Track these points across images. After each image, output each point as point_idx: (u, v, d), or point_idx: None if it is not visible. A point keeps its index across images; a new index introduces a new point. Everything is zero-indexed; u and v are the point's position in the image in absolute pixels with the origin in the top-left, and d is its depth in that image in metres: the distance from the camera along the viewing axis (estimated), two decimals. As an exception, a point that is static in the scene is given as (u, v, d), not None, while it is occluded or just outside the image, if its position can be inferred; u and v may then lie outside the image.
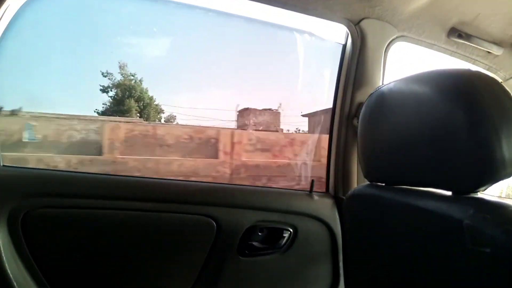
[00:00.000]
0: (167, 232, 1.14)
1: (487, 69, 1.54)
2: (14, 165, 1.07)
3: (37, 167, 1.15)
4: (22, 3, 0.98)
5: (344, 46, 1.36)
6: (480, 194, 0.69)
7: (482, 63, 1.51)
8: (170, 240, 1.14)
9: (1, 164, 1.04)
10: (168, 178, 1.64)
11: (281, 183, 4.83)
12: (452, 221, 0.66)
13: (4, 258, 0.95)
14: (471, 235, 0.62)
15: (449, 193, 0.73)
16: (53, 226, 1.04)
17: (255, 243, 1.22)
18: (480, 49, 1.44)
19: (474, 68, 1.50)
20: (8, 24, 0.98)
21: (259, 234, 1.23)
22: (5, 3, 0.90)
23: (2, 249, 0.95)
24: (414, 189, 0.82)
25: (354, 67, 1.33)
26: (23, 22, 1.02)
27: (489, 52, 1.46)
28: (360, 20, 1.28)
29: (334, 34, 1.36)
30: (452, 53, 1.46)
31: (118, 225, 1.09)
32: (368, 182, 0.97)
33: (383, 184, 0.91)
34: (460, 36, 1.37)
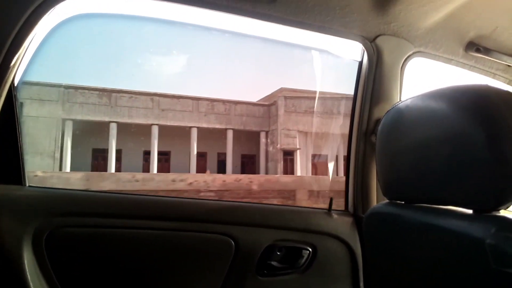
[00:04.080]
0: (186, 251, 1.14)
1: (508, 83, 1.51)
2: (39, 186, 1.10)
3: (62, 187, 1.19)
4: (49, 30, 1.04)
5: (361, 63, 1.36)
6: (502, 212, 0.68)
7: (502, 77, 1.48)
8: (188, 259, 1.13)
9: (27, 185, 1.06)
10: (187, 197, 1.66)
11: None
12: (474, 240, 0.64)
13: (28, 277, 0.96)
14: (494, 254, 0.60)
15: (469, 211, 0.71)
16: (76, 245, 1.05)
17: (273, 263, 1.21)
18: (500, 62, 1.41)
19: (494, 82, 1.48)
20: (35, 50, 1.03)
21: (278, 253, 1.22)
22: (33, 31, 0.94)
23: (27, 267, 0.97)
24: (434, 207, 0.80)
25: (371, 84, 1.32)
26: (50, 48, 1.07)
27: (509, 65, 1.43)
28: (376, 37, 1.28)
29: (350, 52, 1.37)
30: (471, 68, 1.44)
31: (138, 244, 1.10)
32: (388, 200, 0.96)
33: (403, 202, 0.90)
34: (478, 50, 1.34)
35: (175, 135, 12.30)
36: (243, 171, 12.73)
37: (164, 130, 12.11)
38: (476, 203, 0.69)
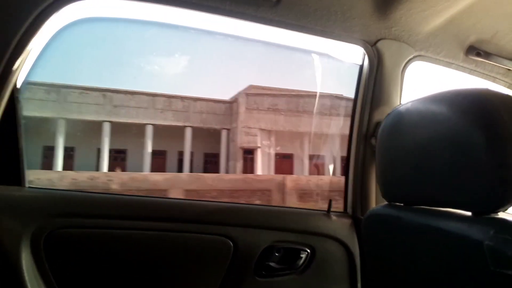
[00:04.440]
0: (184, 252, 1.14)
1: (508, 87, 1.53)
2: (38, 186, 1.10)
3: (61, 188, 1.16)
4: (54, 32, 1.04)
5: (361, 66, 1.37)
6: (501, 215, 0.69)
7: (503, 81, 1.50)
8: (187, 260, 1.14)
9: (27, 186, 1.06)
10: (186, 199, 1.66)
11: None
12: (473, 242, 0.65)
13: (26, 277, 0.97)
14: (492, 256, 0.61)
15: (468, 213, 0.72)
16: (75, 246, 1.06)
17: (272, 264, 1.21)
18: (500, 66, 1.43)
19: (494, 86, 1.50)
20: (39, 54, 1.04)
21: (276, 254, 1.22)
22: (36, 35, 0.96)
23: (24, 269, 0.97)
24: (433, 210, 0.81)
25: (371, 87, 1.33)
26: (55, 49, 1.08)
27: (509, 69, 1.45)
28: (377, 41, 1.29)
29: (351, 55, 1.38)
30: (471, 72, 1.45)
31: (137, 245, 1.11)
32: (387, 202, 0.97)
33: (402, 204, 0.91)
34: (478, 54, 1.36)
35: (131, 133, 11.88)
36: (205, 170, 12.47)
37: (120, 128, 11.66)
38: (475, 205, 0.70)
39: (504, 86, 1.51)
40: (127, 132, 11.85)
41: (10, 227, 0.99)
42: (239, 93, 12.29)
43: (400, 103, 1.25)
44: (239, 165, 12.17)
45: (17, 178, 1.05)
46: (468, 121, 0.68)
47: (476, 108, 0.69)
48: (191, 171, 12.14)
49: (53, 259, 1.02)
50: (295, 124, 12.37)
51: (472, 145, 0.67)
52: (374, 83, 1.33)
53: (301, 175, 12.00)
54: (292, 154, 12.80)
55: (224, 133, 12.64)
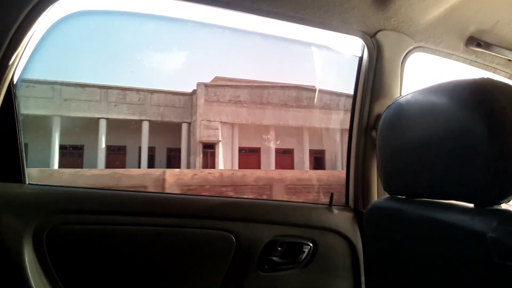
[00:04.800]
0: (187, 247, 1.14)
1: (508, 77, 1.52)
2: (39, 183, 1.10)
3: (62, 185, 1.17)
4: (48, 27, 1.04)
5: (361, 58, 1.36)
6: (503, 206, 0.69)
7: (503, 71, 1.50)
8: (190, 255, 1.14)
9: (27, 182, 1.06)
10: (188, 194, 1.63)
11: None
12: (476, 234, 0.66)
13: (29, 274, 0.97)
14: (495, 248, 0.62)
15: (471, 205, 0.72)
16: (77, 242, 1.05)
17: (274, 258, 1.21)
18: (500, 57, 1.43)
19: (494, 77, 1.49)
20: (35, 47, 1.02)
21: (279, 249, 1.22)
22: (31, 28, 0.94)
23: (27, 265, 0.97)
24: (435, 202, 0.81)
25: (371, 79, 1.32)
26: (49, 45, 1.08)
27: (509, 60, 1.45)
28: (376, 32, 1.28)
29: (350, 47, 1.37)
30: (471, 62, 1.45)
31: (139, 240, 1.10)
32: (388, 195, 0.97)
33: (404, 197, 0.91)
34: (478, 44, 1.36)
35: (87, 127, 11.33)
36: (169, 166, 12.13)
37: (73, 122, 11.09)
38: (477, 197, 0.70)
39: (505, 76, 1.52)
40: (82, 127, 11.31)
41: (11, 224, 0.98)
42: (198, 85, 12.02)
43: (401, 95, 1.24)
44: (199, 159, 11.94)
45: (17, 175, 1.04)
46: (469, 112, 0.68)
47: (477, 99, 0.68)
48: (152, 166, 11.80)
49: (56, 256, 1.02)
50: (258, 117, 12.11)
51: (473, 136, 0.67)
52: (374, 75, 1.32)
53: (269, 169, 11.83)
54: (260, 148, 12.54)
55: (184, 127, 12.27)
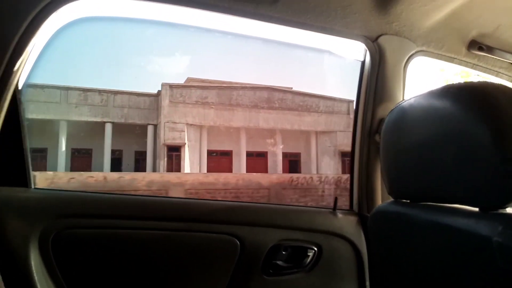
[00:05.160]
0: (192, 252, 1.14)
1: (511, 81, 1.52)
2: (45, 188, 1.11)
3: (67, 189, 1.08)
4: (53, 33, 1.04)
5: (363, 63, 1.36)
6: (509, 210, 0.68)
7: (506, 75, 1.49)
8: (194, 259, 1.14)
9: (33, 187, 1.07)
10: (192, 198, 1.65)
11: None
12: (481, 239, 0.65)
13: (35, 278, 0.97)
14: (501, 253, 0.61)
15: (476, 209, 0.72)
16: (82, 246, 1.06)
17: (279, 262, 1.21)
18: (503, 60, 1.43)
19: (497, 80, 1.50)
20: (39, 54, 1.03)
21: (283, 253, 1.22)
22: (36, 35, 0.95)
23: (33, 269, 0.97)
24: (440, 206, 0.81)
25: (373, 83, 1.33)
26: (54, 50, 1.09)
27: None
28: (378, 37, 1.28)
29: (352, 51, 1.37)
30: (474, 66, 1.45)
31: (144, 244, 1.11)
32: (393, 199, 0.97)
33: (408, 201, 0.91)
34: (480, 48, 1.35)
35: (49, 130, 10.77)
36: (136, 169, 11.72)
37: (34, 125, 10.51)
38: (482, 201, 0.70)
39: (507, 80, 1.51)
40: (43, 130, 10.76)
41: (18, 228, 0.99)
42: (163, 85, 11.69)
43: (403, 99, 1.25)
44: (163, 163, 11.59)
45: (23, 180, 1.05)
46: (473, 116, 0.68)
47: (480, 103, 0.68)
48: (119, 170, 11.36)
49: (61, 259, 1.02)
50: (227, 118, 11.84)
51: (477, 140, 0.67)
52: (376, 79, 1.33)
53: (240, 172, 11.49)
54: (231, 151, 12.32)
55: (150, 129, 11.91)
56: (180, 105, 11.69)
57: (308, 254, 1.24)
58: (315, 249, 1.24)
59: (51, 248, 1.01)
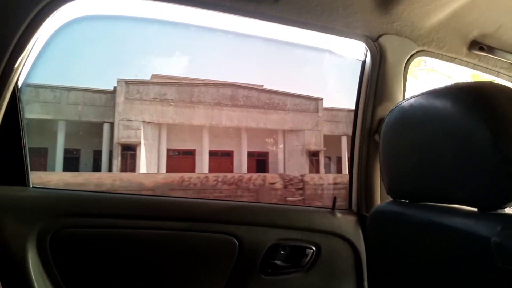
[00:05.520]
0: (190, 251, 1.15)
1: None
2: (43, 187, 1.10)
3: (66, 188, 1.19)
4: (52, 32, 1.04)
5: (364, 62, 1.36)
6: (507, 210, 0.69)
7: (506, 75, 1.50)
8: (193, 258, 1.15)
9: (31, 186, 1.07)
10: (191, 197, 1.63)
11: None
12: (480, 239, 0.65)
13: (33, 277, 0.97)
14: (499, 253, 0.61)
15: (474, 209, 0.72)
16: (80, 245, 1.06)
17: (277, 262, 1.21)
18: (503, 61, 1.43)
19: (498, 80, 1.50)
20: (39, 52, 1.03)
21: (282, 252, 1.22)
22: (36, 33, 0.95)
23: (31, 268, 0.98)
24: (439, 206, 0.81)
25: (374, 83, 1.33)
26: (54, 49, 1.09)
27: None
28: (379, 37, 1.28)
29: (353, 51, 1.37)
30: (474, 66, 1.45)
31: (143, 244, 1.11)
32: (392, 199, 0.97)
33: (407, 201, 0.91)
34: (481, 48, 1.35)
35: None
36: (95, 169, 11.08)
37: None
38: (481, 201, 0.70)
39: (508, 80, 1.51)
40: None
41: (15, 227, 0.99)
42: (118, 81, 11.17)
43: (404, 99, 1.26)
44: (117, 162, 11.06)
45: (21, 178, 1.05)
46: (473, 117, 0.68)
47: (480, 103, 0.69)
48: (77, 170, 10.76)
49: (59, 259, 1.03)
50: (188, 116, 11.34)
51: (477, 141, 0.67)
52: (377, 79, 1.33)
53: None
54: (195, 150, 11.72)
55: (106, 127, 11.37)
56: (136, 102, 11.16)
57: (307, 253, 1.24)
58: (314, 248, 1.25)
59: (48, 247, 1.01)
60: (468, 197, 0.72)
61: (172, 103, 11.28)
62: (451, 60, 1.41)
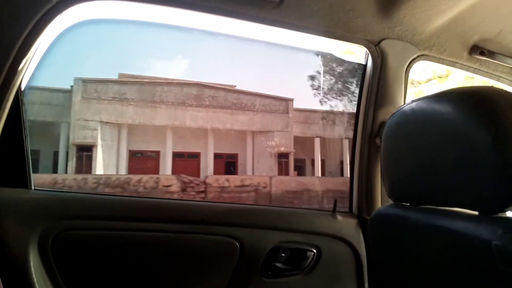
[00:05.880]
0: (191, 253, 1.15)
1: None
2: (45, 188, 1.10)
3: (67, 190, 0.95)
4: (56, 35, 1.05)
5: (365, 66, 1.37)
6: (508, 214, 0.69)
7: (507, 79, 1.50)
8: (194, 261, 1.15)
9: (33, 188, 1.07)
10: (192, 200, 1.56)
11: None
12: (480, 242, 0.65)
13: (35, 279, 0.97)
14: (501, 256, 0.61)
15: (475, 213, 0.72)
16: (82, 247, 1.06)
17: (278, 264, 1.22)
18: (504, 65, 1.43)
19: (498, 85, 1.50)
20: (43, 55, 1.04)
21: (283, 255, 1.23)
22: (40, 36, 0.95)
23: (33, 270, 0.98)
24: (440, 209, 0.81)
25: (375, 87, 1.33)
26: (56, 53, 1.11)
27: None
28: (380, 41, 1.29)
29: (355, 54, 1.37)
30: (475, 71, 1.45)
31: (144, 246, 1.11)
32: (392, 202, 0.97)
33: (408, 204, 0.91)
34: (482, 53, 1.36)
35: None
36: (54, 170, 10.38)
37: None
38: (482, 204, 0.70)
39: (509, 85, 1.52)
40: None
41: (17, 229, 0.99)
42: (75, 80, 10.57)
43: (405, 103, 1.27)
44: (71, 164, 10.47)
45: (23, 180, 1.05)
46: (474, 121, 0.68)
47: (481, 107, 0.69)
48: (36, 171, 10.07)
49: (61, 261, 1.03)
50: (149, 116, 10.91)
51: (478, 144, 0.67)
52: (378, 83, 1.33)
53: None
54: (159, 152, 11.31)
55: (64, 127, 10.73)
56: (94, 101, 10.63)
57: (308, 256, 1.24)
58: (314, 251, 1.25)
59: (50, 249, 1.02)
60: (469, 200, 0.72)
61: (132, 103, 10.83)
62: (452, 64, 1.42)
